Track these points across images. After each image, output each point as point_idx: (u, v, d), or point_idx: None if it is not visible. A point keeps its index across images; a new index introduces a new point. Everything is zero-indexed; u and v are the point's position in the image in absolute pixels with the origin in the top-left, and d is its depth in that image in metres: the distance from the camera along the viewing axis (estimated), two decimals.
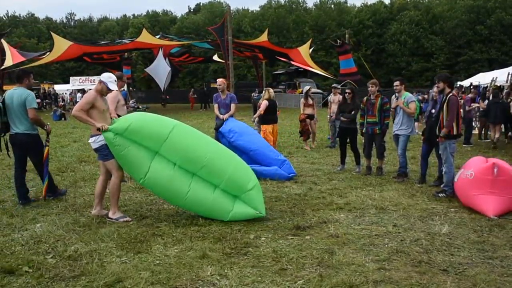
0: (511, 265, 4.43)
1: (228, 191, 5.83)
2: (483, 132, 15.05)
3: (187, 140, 5.87)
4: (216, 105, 9.87)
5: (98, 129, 5.75)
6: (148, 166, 5.67)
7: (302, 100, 12.92)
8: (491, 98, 14.02)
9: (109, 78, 6.04)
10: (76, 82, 42.84)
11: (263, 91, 11.72)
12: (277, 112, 11.89)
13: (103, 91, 6.07)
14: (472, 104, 14.80)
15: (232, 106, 9.80)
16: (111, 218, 5.88)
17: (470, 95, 15.41)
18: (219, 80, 10.11)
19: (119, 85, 8.17)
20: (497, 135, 13.36)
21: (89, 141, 6.04)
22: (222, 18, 36.34)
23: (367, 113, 8.87)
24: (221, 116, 9.53)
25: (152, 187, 5.82)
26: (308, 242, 5.07)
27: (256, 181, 6.00)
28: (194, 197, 5.71)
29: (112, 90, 6.16)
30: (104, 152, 5.92)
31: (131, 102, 35.00)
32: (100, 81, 6.03)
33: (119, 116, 7.87)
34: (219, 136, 9.00)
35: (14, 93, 6.66)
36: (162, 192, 5.86)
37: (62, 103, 34.58)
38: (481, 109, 14.73)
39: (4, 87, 39.08)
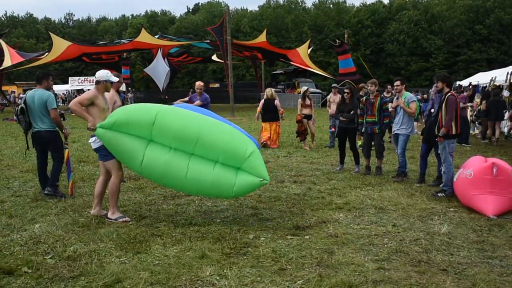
0: (511, 265, 4.43)
1: (228, 163, 5.59)
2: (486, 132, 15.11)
3: (174, 120, 5.71)
4: (181, 100, 9.75)
5: (89, 129, 5.81)
6: (142, 154, 5.61)
7: (300, 100, 13.03)
8: (491, 97, 14.17)
9: (107, 74, 6.10)
10: (75, 83, 42.85)
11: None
12: (279, 111, 12.14)
13: (108, 88, 6.15)
14: (466, 103, 14.78)
15: (198, 102, 9.39)
16: (110, 218, 5.87)
17: (465, 93, 15.40)
18: (200, 84, 9.74)
19: (116, 86, 8.19)
20: (497, 133, 13.51)
21: (89, 141, 6.03)
22: (221, 18, 36.31)
23: (367, 112, 8.88)
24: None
25: (150, 174, 5.78)
26: (307, 242, 5.07)
27: (254, 147, 5.70)
28: (193, 178, 5.55)
29: (116, 82, 6.23)
30: (104, 152, 5.91)
31: (129, 95, 35.03)
32: (103, 81, 6.02)
33: None
34: None
35: (35, 94, 7.18)
36: (161, 179, 5.80)
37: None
38: (481, 110, 14.77)
39: (3, 88, 39.19)
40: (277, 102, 12.58)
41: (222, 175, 5.54)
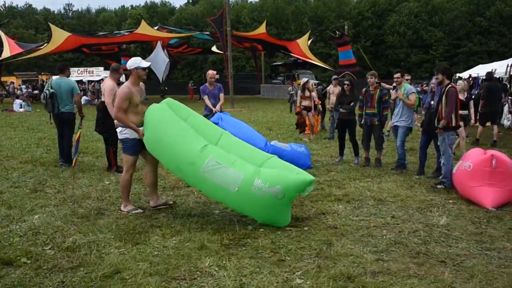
0: (509, 257, 4.44)
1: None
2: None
3: (188, 177, 5.53)
4: (206, 97, 9.88)
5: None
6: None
7: (299, 92, 13.10)
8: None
9: (135, 61, 5.82)
10: (74, 74, 42.62)
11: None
12: (315, 102, 13.35)
13: (141, 76, 5.85)
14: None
15: (221, 95, 9.94)
16: (123, 211, 5.85)
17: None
18: (212, 73, 10.05)
19: (116, 77, 8.16)
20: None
21: (117, 129, 5.92)
22: (221, 9, 36.14)
23: (366, 104, 8.86)
24: (214, 109, 9.51)
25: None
26: (306, 233, 5.08)
27: (262, 220, 5.31)
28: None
29: (146, 68, 5.89)
30: (124, 145, 5.83)
31: None
32: (133, 69, 5.78)
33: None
34: None
35: (61, 81, 8.64)
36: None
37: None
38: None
39: (2, 79, 39.06)
40: (313, 93, 13.37)
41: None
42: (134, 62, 5.82)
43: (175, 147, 5.47)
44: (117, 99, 5.73)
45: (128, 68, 5.85)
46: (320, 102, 13.79)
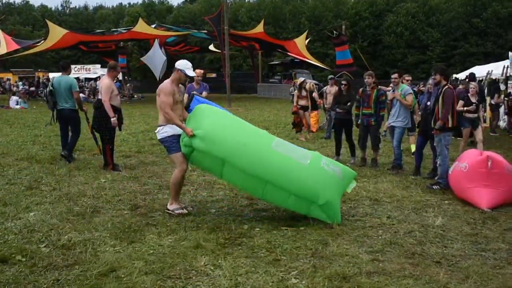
0: (504, 258, 4.46)
1: (302, 198, 5.36)
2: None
3: (255, 155, 5.38)
4: (186, 95, 9.75)
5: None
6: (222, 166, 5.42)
7: (296, 92, 13.13)
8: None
9: (186, 65, 5.73)
10: (71, 71, 42.57)
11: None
12: (317, 102, 13.74)
13: (181, 79, 5.84)
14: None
15: (204, 93, 9.71)
16: (168, 209, 5.73)
17: (461, 87, 15.43)
18: (199, 72, 9.93)
19: (113, 75, 8.15)
20: None
21: (155, 131, 5.85)
22: (219, 7, 36.07)
23: (363, 104, 8.87)
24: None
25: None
26: (302, 233, 5.08)
27: (327, 198, 5.27)
28: (270, 196, 5.46)
29: (192, 77, 5.94)
30: (167, 144, 5.69)
31: (128, 85, 34.81)
32: (177, 70, 5.71)
33: (112, 105, 7.85)
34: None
35: (62, 79, 8.97)
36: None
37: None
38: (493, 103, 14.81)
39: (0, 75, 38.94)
40: (315, 94, 13.64)
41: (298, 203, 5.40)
42: (184, 65, 5.73)
43: (242, 127, 5.81)
44: (161, 95, 5.62)
45: (176, 66, 5.76)
46: (321, 101, 13.88)
